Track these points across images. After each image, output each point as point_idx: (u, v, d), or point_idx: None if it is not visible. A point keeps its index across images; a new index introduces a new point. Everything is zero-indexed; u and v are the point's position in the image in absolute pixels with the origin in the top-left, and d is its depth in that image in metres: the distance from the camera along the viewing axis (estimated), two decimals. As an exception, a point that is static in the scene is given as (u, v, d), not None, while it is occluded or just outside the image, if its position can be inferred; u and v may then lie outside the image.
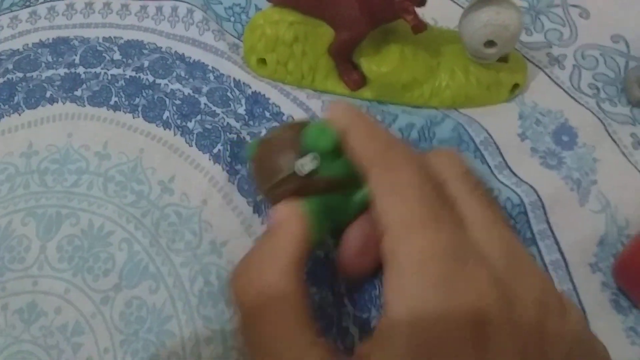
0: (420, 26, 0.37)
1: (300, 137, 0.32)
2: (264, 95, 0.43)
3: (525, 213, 0.37)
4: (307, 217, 0.31)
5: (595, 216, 0.37)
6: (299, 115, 0.42)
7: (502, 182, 0.39)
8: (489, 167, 0.40)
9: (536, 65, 0.43)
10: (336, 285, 0.37)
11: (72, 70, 0.47)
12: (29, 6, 0.52)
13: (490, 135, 0.41)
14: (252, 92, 0.44)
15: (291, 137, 0.33)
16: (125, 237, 0.40)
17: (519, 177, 0.39)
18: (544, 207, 0.37)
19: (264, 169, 0.33)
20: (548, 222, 0.37)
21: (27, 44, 0.49)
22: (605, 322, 0.35)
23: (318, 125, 0.32)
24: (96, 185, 0.42)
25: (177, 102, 0.44)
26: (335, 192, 0.33)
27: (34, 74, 0.47)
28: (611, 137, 0.40)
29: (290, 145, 0.33)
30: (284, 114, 0.43)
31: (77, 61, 0.47)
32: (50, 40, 0.49)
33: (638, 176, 0.38)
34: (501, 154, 0.40)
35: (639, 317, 0.35)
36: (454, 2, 0.47)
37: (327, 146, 0.31)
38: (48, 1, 0.52)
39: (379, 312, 0.36)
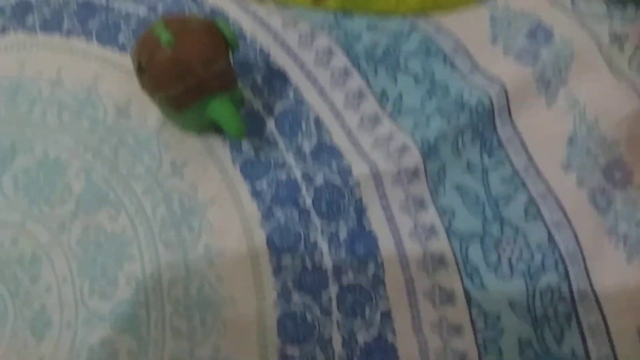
0: None
1: (217, 30, 0.33)
2: (222, 10, 0.41)
3: (493, 114, 0.35)
4: None
5: (562, 115, 0.35)
6: (261, 35, 0.40)
7: (473, 85, 0.36)
8: (460, 71, 0.37)
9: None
10: (300, 200, 0.35)
11: (22, -3, 0.44)
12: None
13: (460, 39, 0.38)
14: (210, 8, 0.41)
15: (210, 27, 0.33)
16: (83, 166, 0.38)
17: (489, 79, 0.36)
18: (509, 110, 0.36)
19: (199, 56, 0.32)
20: (513, 124, 0.36)
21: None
22: (588, 223, 0.33)
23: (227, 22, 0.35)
24: (50, 113, 0.40)
25: (133, 24, 0.42)
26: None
27: (-17, 6, 0.45)
28: (588, 33, 0.37)
29: (216, 35, 0.33)
30: (246, 35, 0.40)
31: (26, -13, 0.45)
32: (-2, -32, 0.46)
33: (609, 74, 0.36)
34: (472, 57, 0.38)
35: (618, 215, 0.33)
36: None
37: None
38: None
39: (347, 224, 0.34)
